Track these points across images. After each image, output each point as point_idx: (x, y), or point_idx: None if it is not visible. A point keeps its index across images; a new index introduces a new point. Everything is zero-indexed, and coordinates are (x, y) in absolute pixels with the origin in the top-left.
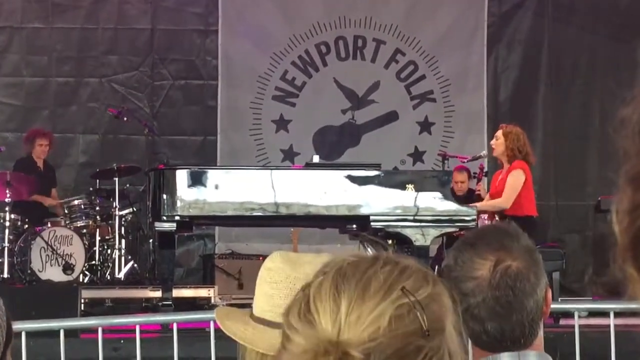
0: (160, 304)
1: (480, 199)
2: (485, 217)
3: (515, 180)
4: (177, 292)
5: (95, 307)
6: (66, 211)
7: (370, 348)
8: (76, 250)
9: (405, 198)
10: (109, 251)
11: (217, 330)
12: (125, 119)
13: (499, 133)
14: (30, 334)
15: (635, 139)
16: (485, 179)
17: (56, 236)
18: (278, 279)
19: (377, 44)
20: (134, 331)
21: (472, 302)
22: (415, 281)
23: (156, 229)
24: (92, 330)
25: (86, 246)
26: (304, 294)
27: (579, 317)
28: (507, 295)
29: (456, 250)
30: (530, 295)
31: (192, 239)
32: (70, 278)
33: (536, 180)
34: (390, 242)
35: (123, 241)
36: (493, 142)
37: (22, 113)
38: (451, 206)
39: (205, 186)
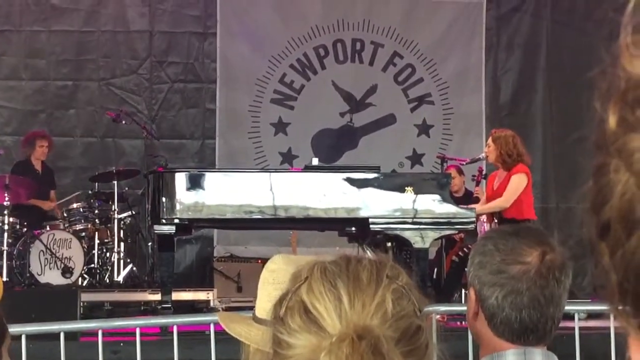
0: (159, 306)
1: (478, 201)
2: (484, 220)
3: (519, 183)
4: (176, 295)
5: (95, 311)
6: (65, 214)
7: (383, 331)
8: (75, 254)
9: (404, 200)
10: (107, 254)
11: (217, 332)
12: (123, 122)
13: (490, 140)
14: (30, 337)
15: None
16: (484, 182)
17: (55, 239)
18: (282, 280)
19: (375, 47)
20: (133, 334)
21: (515, 287)
22: (392, 270)
23: (155, 231)
24: (92, 333)
25: (85, 249)
26: (295, 300)
27: (579, 319)
28: (552, 286)
29: (497, 238)
30: (567, 291)
31: (191, 242)
32: (69, 281)
33: (536, 183)
34: (389, 244)
35: (122, 244)
36: (486, 149)
37: (20, 116)
38: (450, 208)
39: (204, 189)
